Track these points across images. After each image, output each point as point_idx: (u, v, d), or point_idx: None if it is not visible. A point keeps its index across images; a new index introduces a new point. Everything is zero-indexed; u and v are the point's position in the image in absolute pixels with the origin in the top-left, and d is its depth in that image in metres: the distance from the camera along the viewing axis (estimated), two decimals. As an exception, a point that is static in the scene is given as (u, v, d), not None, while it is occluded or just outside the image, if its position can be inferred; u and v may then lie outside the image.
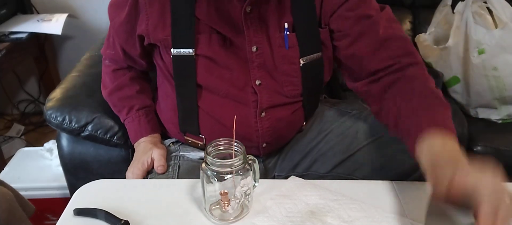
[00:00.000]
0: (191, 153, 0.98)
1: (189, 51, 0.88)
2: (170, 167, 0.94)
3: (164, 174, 0.93)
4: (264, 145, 0.96)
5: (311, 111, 1.01)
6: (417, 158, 0.70)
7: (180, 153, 0.98)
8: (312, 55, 0.91)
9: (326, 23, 0.91)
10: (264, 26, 0.88)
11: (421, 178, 0.85)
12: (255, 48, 0.88)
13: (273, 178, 1.04)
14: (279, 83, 0.91)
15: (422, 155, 0.69)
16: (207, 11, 0.87)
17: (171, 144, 1.02)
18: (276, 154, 1.04)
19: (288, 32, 0.88)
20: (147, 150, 0.97)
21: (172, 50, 0.89)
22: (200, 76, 0.89)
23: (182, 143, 1.02)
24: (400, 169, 0.88)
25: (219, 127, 0.92)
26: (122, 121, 1.06)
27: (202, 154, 0.96)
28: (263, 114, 0.92)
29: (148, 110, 1.04)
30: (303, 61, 0.90)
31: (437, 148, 0.68)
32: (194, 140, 0.98)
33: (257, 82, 0.90)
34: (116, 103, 1.06)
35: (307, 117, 1.00)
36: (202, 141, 0.97)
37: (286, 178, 0.93)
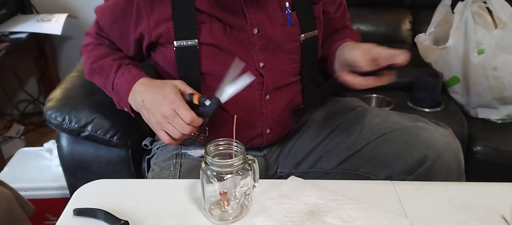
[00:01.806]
0: (193, 151, 0.98)
1: (193, 42, 0.89)
2: (171, 166, 0.94)
3: (166, 173, 0.93)
4: (268, 131, 0.97)
5: (307, 95, 1.04)
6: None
7: (182, 151, 0.98)
8: (310, 32, 0.96)
9: None
10: (264, 7, 0.91)
11: (426, 173, 0.86)
12: (256, 31, 0.91)
13: (275, 174, 1.05)
14: (282, 61, 0.95)
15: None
16: (207, 1, 0.88)
17: None
18: (278, 148, 1.05)
19: (289, 11, 0.93)
20: (160, 84, 0.86)
21: (174, 42, 0.90)
22: (203, 65, 0.91)
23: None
24: (406, 164, 0.89)
25: (222, 115, 0.93)
26: (111, 83, 0.94)
27: (203, 151, 0.96)
28: (267, 96, 0.94)
29: (138, 65, 0.97)
30: (303, 37, 0.95)
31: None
32: (196, 133, 0.98)
33: (261, 64, 0.93)
34: (103, 66, 0.95)
35: (304, 101, 1.03)
36: (205, 133, 0.97)
37: (288, 175, 0.94)
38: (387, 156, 0.92)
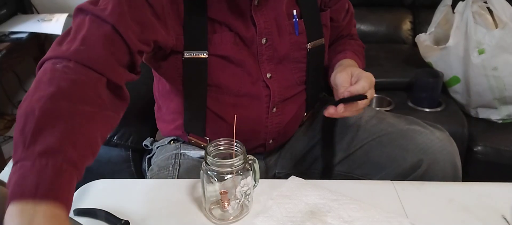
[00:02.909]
0: (192, 151, 0.98)
1: (203, 54, 0.86)
2: (170, 166, 0.94)
3: (165, 172, 0.93)
4: (270, 141, 0.96)
5: (311, 103, 1.03)
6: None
7: (181, 151, 0.98)
8: (317, 41, 0.95)
9: (326, 5, 0.97)
10: (273, 16, 0.89)
11: (421, 177, 0.86)
12: (264, 40, 0.89)
13: (274, 175, 1.05)
14: (288, 71, 0.93)
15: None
16: (219, 9, 0.85)
17: (171, 142, 1.02)
18: (278, 151, 1.05)
19: (297, 19, 0.91)
20: None
21: (184, 53, 0.86)
22: (211, 77, 0.88)
23: (183, 141, 1.02)
24: (400, 168, 0.89)
25: (226, 128, 0.92)
26: (15, 158, 0.56)
27: (203, 152, 0.96)
28: (274, 109, 0.93)
29: (79, 172, 0.57)
30: (310, 46, 0.94)
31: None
32: (197, 140, 0.98)
33: (268, 75, 0.91)
34: (42, 118, 0.57)
35: (308, 109, 1.02)
36: (205, 142, 0.97)
37: (287, 175, 0.93)
38: (381, 159, 0.91)
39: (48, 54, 0.69)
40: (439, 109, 1.50)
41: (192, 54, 0.85)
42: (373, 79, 0.82)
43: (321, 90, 1.08)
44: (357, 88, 0.80)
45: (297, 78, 0.95)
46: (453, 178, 0.87)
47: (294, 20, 0.91)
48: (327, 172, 1.00)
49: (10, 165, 1.55)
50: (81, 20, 0.72)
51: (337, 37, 1.07)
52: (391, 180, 0.84)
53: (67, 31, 0.72)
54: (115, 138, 1.14)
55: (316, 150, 1.00)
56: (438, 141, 0.88)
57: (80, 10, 0.73)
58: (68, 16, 2.01)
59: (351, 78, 0.83)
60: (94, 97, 0.65)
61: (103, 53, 0.69)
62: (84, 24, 0.71)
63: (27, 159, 0.54)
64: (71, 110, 0.59)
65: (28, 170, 0.52)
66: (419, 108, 1.50)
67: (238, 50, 0.88)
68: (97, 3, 0.74)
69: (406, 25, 1.99)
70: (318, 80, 1.02)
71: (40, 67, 0.69)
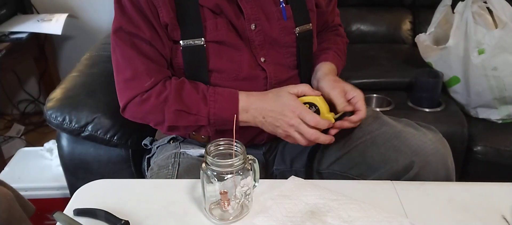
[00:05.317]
0: (191, 150, 0.98)
1: (199, 41, 0.89)
2: (170, 165, 0.94)
3: (164, 172, 0.93)
4: None
5: None
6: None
7: (180, 150, 0.98)
8: (304, 26, 0.98)
9: None
10: (259, 2, 0.93)
11: (413, 179, 0.85)
12: (253, 26, 0.92)
13: (272, 172, 1.05)
14: (281, 55, 0.97)
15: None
16: None
17: (171, 141, 1.02)
18: (276, 147, 1.05)
19: (284, 5, 0.95)
20: (272, 94, 0.89)
21: (181, 42, 0.90)
22: (211, 62, 0.91)
23: (183, 140, 1.02)
24: (392, 170, 0.88)
25: None
26: (205, 117, 0.88)
27: (202, 151, 0.96)
28: None
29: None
30: (298, 30, 0.97)
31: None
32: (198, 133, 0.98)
33: (262, 59, 0.94)
34: (187, 104, 0.88)
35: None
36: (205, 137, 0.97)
37: (284, 172, 0.93)
38: (375, 160, 0.91)
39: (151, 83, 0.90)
40: (439, 109, 1.50)
41: (189, 43, 0.89)
42: (362, 94, 0.90)
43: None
44: (361, 114, 0.89)
45: (289, 62, 0.98)
46: (445, 180, 0.87)
47: (281, 6, 0.94)
48: (322, 171, 1.00)
49: (9, 164, 1.56)
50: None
51: (323, 23, 1.10)
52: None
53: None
54: (115, 138, 1.14)
55: (313, 148, 1.00)
56: (431, 142, 0.87)
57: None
58: (68, 16, 2.01)
59: (345, 94, 0.90)
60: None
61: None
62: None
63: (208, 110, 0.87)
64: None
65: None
66: (419, 108, 1.50)
67: (234, 35, 0.91)
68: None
69: (406, 25, 1.99)
70: (310, 64, 1.04)
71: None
